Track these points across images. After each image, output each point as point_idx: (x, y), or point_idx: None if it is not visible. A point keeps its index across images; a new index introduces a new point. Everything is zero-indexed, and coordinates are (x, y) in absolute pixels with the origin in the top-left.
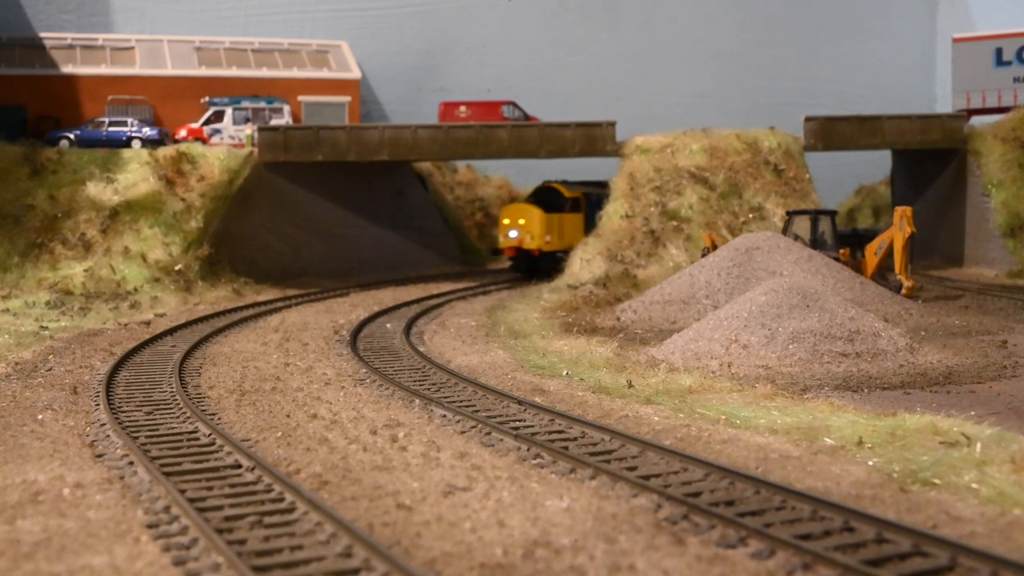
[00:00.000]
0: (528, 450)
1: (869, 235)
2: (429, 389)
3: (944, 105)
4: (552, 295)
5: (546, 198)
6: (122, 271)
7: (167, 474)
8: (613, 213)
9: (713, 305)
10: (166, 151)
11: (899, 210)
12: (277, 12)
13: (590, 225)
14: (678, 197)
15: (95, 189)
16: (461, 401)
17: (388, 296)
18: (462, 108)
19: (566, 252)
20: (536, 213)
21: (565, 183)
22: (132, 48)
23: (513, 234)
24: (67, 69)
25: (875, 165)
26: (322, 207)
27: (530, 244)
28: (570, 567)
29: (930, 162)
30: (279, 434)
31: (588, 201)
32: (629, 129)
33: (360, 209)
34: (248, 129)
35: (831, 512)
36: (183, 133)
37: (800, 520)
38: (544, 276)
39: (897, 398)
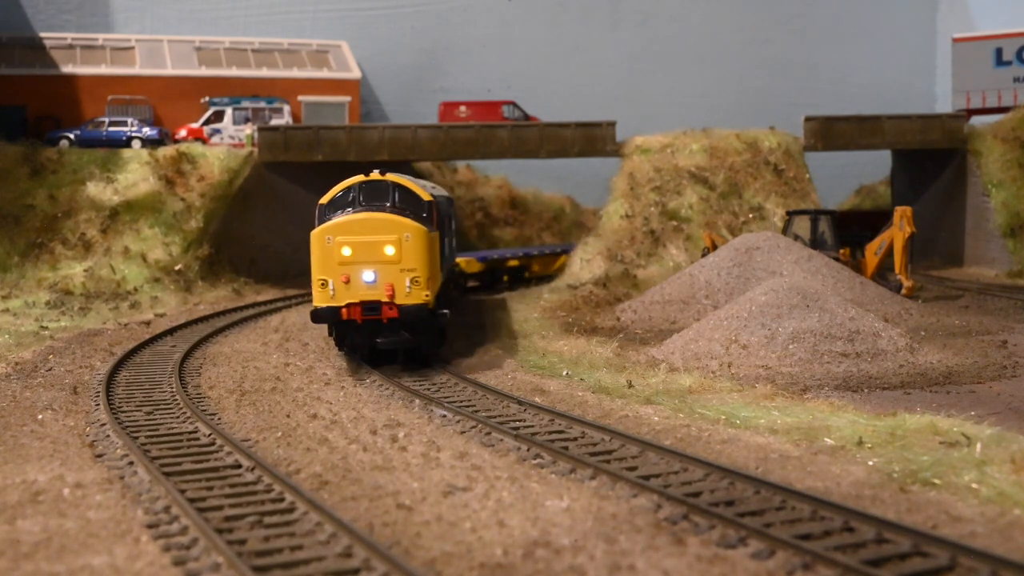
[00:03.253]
0: (528, 450)
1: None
2: (429, 389)
3: (944, 105)
4: (552, 295)
5: (393, 202)
6: (122, 271)
7: (167, 474)
8: (613, 213)
9: (713, 305)
10: (166, 151)
11: (899, 210)
12: (277, 12)
13: (444, 251)
14: (678, 197)
15: (95, 189)
16: (461, 401)
17: None
18: (462, 108)
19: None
20: (416, 232)
21: (407, 177)
22: (132, 48)
23: (368, 277)
24: (67, 69)
25: (875, 165)
26: None
27: (414, 296)
28: (570, 567)
29: (930, 162)
30: (279, 434)
31: (440, 213)
32: (629, 129)
33: None
34: (248, 129)
35: (831, 512)
36: (183, 133)
37: (800, 520)
38: (426, 363)
39: (897, 398)
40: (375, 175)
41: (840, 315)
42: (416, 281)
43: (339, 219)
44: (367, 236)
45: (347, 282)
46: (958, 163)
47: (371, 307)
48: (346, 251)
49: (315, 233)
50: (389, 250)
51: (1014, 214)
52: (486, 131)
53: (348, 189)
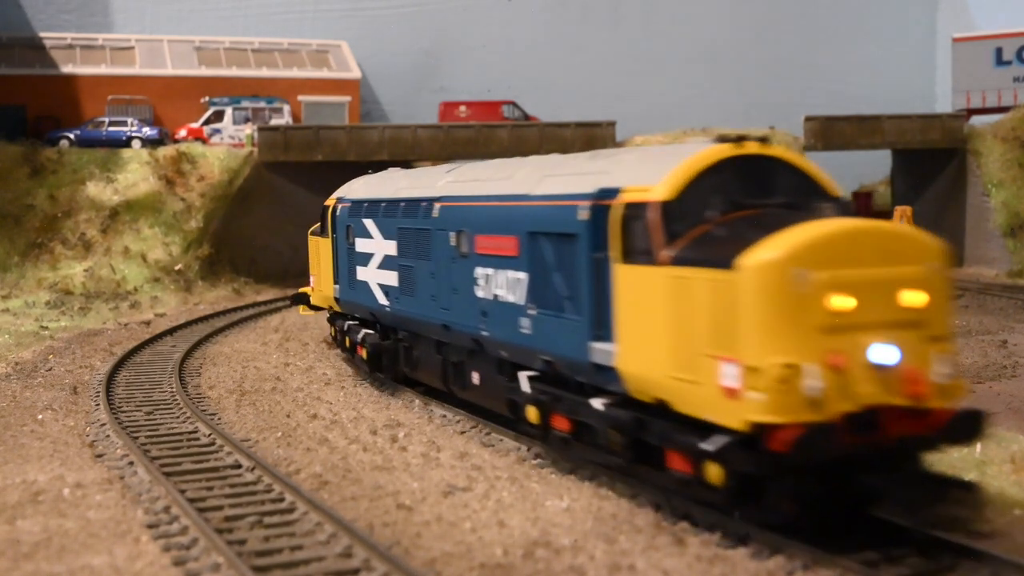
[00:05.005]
0: (528, 450)
1: None
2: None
3: (944, 105)
4: None
5: (793, 201)
6: (122, 271)
7: (167, 474)
8: None
9: None
10: (166, 151)
11: (899, 210)
12: (277, 12)
13: None
14: None
15: (95, 189)
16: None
17: None
18: (462, 108)
19: None
20: (943, 259)
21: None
22: (132, 48)
23: (887, 357)
24: (67, 69)
25: (875, 165)
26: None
27: (951, 392)
28: (570, 567)
29: (930, 162)
30: (279, 434)
31: None
32: (629, 129)
33: None
34: (248, 129)
35: None
36: (183, 133)
37: None
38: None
39: None
40: (752, 146)
41: None
42: (951, 361)
43: (810, 230)
44: (875, 268)
45: (841, 368)
46: (958, 163)
47: (866, 421)
48: (842, 301)
49: (768, 267)
50: (914, 297)
51: (1014, 214)
52: (486, 131)
53: (710, 171)
